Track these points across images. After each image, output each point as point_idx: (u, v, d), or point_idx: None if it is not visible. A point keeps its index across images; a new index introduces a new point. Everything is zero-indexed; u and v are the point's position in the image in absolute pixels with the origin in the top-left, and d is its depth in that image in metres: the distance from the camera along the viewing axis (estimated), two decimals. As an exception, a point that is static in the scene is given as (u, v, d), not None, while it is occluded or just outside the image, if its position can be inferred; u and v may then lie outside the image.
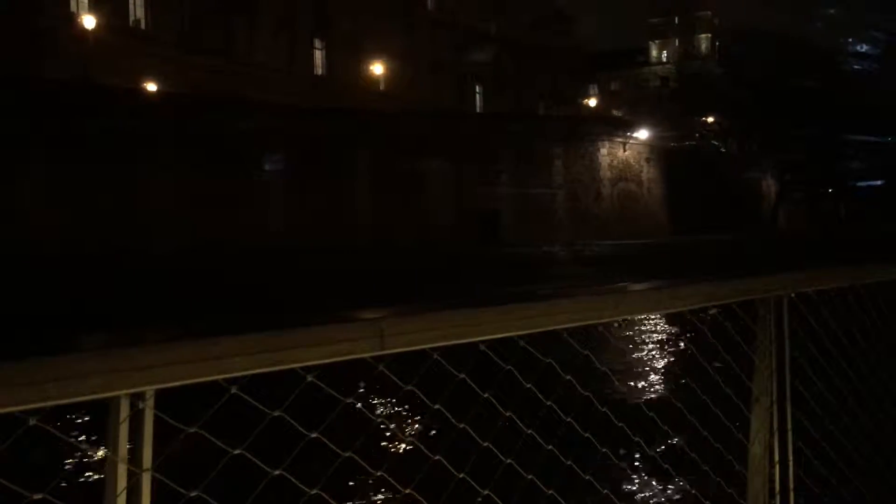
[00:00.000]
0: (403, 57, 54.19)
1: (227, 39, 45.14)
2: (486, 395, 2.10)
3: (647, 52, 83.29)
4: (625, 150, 47.51)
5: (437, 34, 58.21)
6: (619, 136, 47.83)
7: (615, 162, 47.11)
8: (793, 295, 2.77)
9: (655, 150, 50.24)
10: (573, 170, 44.79)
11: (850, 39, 58.55)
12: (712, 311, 2.58)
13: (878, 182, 58.24)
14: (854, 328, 3.25)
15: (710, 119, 62.07)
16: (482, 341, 1.83)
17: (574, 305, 2.03)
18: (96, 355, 1.31)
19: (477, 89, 62.02)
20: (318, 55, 52.10)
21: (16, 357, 1.23)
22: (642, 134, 49.35)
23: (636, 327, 18.23)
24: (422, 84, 55.08)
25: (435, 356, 1.80)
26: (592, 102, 65.52)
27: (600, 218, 45.12)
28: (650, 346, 17.55)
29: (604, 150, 46.57)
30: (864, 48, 57.82)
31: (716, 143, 61.21)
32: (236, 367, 1.43)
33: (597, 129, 47.44)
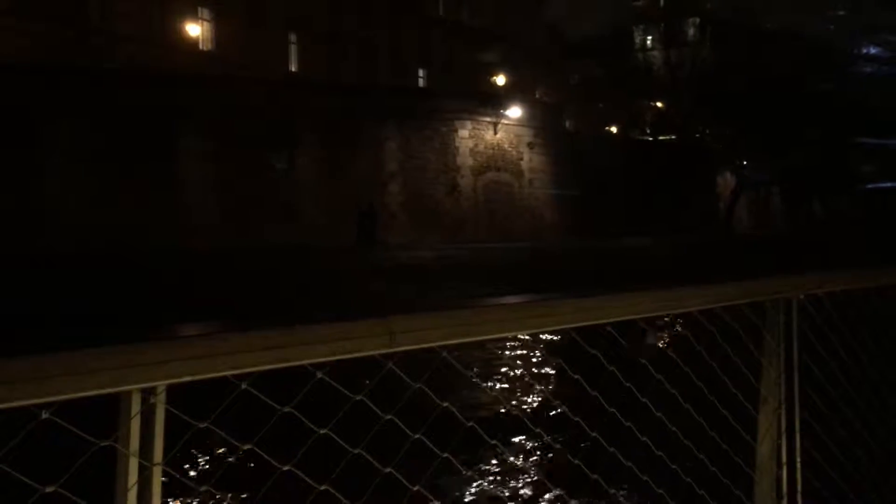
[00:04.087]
0: (322, 34, 47.92)
1: (79, 5, 38.26)
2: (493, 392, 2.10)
3: (632, 37, 77.33)
4: (496, 133, 37.82)
5: (366, 11, 51.77)
6: (489, 116, 37.61)
7: (481, 147, 37.55)
8: (802, 296, 2.77)
9: (558, 135, 41.11)
10: (417, 155, 35.62)
11: (859, 40, 57.38)
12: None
13: (888, 184, 56.08)
14: (864, 330, 3.24)
15: (657, 106, 55.63)
16: (487, 340, 1.84)
17: (581, 304, 2.05)
18: (108, 350, 1.32)
19: (420, 73, 55.77)
20: (206, 26, 44.34)
21: (26, 352, 1.25)
22: (519, 113, 38.86)
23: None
24: (353, 66, 48.50)
25: (444, 354, 1.81)
26: (501, 80, 54.24)
27: (454, 216, 36.13)
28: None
29: (464, 133, 36.99)
30: (874, 50, 56.94)
31: (657, 135, 54.49)
32: (246, 363, 1.45)
33: (453, 106, 37.04)
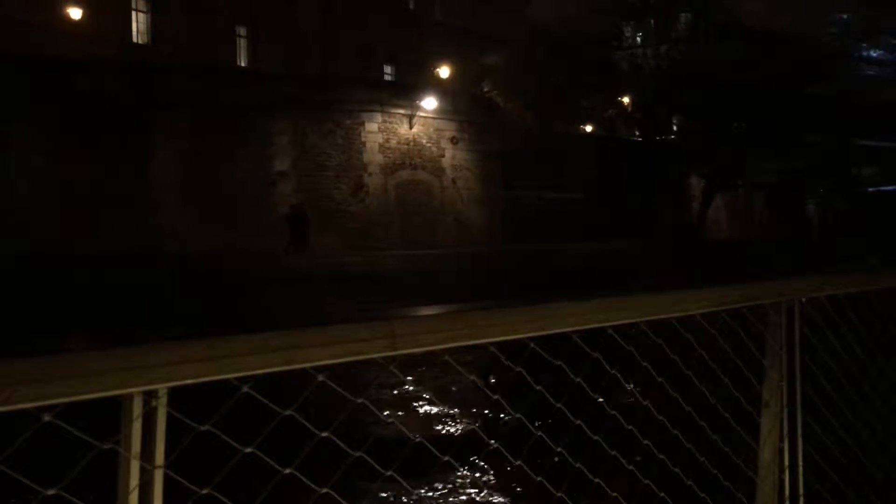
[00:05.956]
0: (277, 28, 44.64)
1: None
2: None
3: (621, 34, 74.64)
4: (411, 127, 33.84)
5: (328, 4, 48.31)
6: (403, 108, 33.59)
7: (394, 142, 33.37)
8: (804, 299, 2.77)
9: (491, 131, 36.58)
10: (314, 151, 31.65)
11: (859, 43, 57.17)
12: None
13: (869, 188, 55.18)
14: (866, 334, 3.24)
15: (625, 102, 52.85)
16: (492, 343, 1.84)
17: (584, 308, 2.04)
18: (110, 353, 1.32)
19: (387, 70, 51.87)
20: (141, 18, 40.60)
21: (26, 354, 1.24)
22: (433, 104, 34.39)
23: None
24: (313, 62, 45.20)
25: (445, 357, 1.81)
26: (444, 73, 48.53)
27: (360, 219, 32.22)
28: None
29: (373, 126, 32.93)
30: (876, 53, 56.86)
31: (628, 134, 51.91)
32: (249, 365, 1.44)
33: (360, 97, 33.06)
